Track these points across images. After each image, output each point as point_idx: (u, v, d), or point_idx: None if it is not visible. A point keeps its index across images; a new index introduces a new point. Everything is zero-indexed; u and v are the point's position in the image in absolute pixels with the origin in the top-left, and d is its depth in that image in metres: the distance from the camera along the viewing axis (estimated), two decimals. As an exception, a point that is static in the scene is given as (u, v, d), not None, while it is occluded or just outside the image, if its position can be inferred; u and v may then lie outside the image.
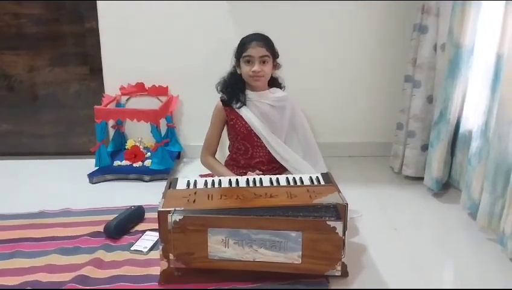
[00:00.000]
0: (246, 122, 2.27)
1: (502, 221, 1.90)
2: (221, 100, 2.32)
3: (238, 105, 2.27)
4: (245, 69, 2.23)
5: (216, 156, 2.40)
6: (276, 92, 2.31)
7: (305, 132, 2.40)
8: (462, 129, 2.40)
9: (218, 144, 2.40)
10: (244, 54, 2.21)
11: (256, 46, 2.19)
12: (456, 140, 2.45)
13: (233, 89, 2.29)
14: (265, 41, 2.22)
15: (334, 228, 1.61)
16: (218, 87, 2.33)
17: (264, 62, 2.21)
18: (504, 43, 1.95)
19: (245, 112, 2.27)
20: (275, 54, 2.27)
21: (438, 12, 2.40)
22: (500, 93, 1.93)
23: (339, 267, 1.66)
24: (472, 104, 2.32)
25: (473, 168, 2.13)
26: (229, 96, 2.30)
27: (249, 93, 2.28)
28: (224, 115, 2.32)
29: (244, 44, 2.23)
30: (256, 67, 2.20)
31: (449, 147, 2.44)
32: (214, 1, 2.71)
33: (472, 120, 2.30)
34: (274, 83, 2.36)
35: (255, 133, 2.27)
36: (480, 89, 2.19)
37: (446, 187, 2.52)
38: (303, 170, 2.18)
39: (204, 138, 2.40)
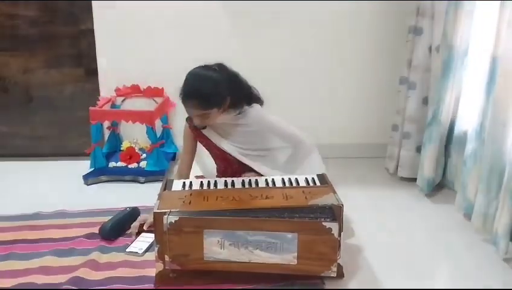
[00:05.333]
0: (215, 144, 2.11)
1: (496, 222, 1.91)
2: (187, 122, 2.14)
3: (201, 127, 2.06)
4: None
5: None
6: (238, 120, 2.04)
7: (282, 136, 2.13)
8: (457, 131, 2.41)
9: (191, 167, 2.20)
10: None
11: (189, 107, 1.93)
12: (450, 141, 2.46)
13: None
14: (195, 100, 1.89)
15: (330, 229, 1.62)
16: None
17: (204, 117, 1.95)
18: (499, 46, 1.96)
19: (211, 135, 2.09)
20: (216, 103, 1.91)
21: (432, 15, 2.41)
22: (494, 95, 1.94)
23: (334, 269, 1.66)
24: (467, 106, 2.33)
25: (468, 170, 2.14)
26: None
27: None
28: (193, 137, 2.15)
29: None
30: (196, 122, 1.99)
31: (442, 148, 2.45)
32: (210, 2, 2.71)
33: (467, 122, 2.31)
34: (243, 100, 2.04)
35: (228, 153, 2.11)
36: (475, 91, 2.20)
37: (440, 188, 2.53)
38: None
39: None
